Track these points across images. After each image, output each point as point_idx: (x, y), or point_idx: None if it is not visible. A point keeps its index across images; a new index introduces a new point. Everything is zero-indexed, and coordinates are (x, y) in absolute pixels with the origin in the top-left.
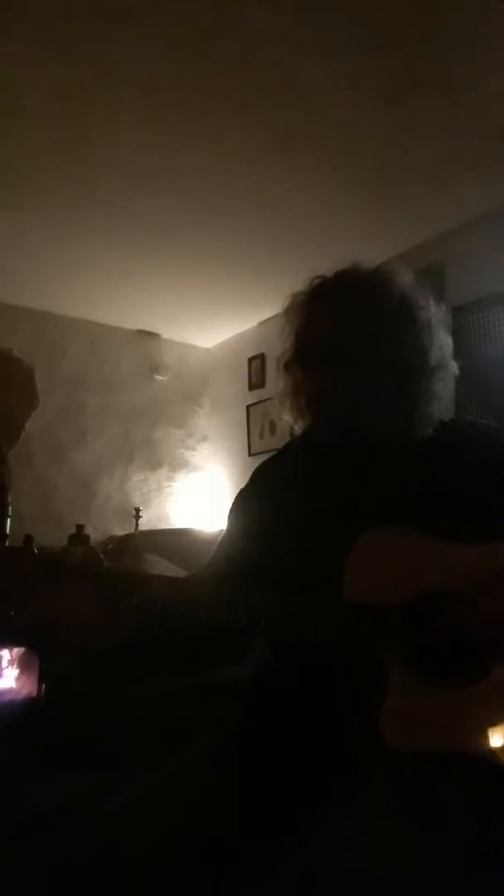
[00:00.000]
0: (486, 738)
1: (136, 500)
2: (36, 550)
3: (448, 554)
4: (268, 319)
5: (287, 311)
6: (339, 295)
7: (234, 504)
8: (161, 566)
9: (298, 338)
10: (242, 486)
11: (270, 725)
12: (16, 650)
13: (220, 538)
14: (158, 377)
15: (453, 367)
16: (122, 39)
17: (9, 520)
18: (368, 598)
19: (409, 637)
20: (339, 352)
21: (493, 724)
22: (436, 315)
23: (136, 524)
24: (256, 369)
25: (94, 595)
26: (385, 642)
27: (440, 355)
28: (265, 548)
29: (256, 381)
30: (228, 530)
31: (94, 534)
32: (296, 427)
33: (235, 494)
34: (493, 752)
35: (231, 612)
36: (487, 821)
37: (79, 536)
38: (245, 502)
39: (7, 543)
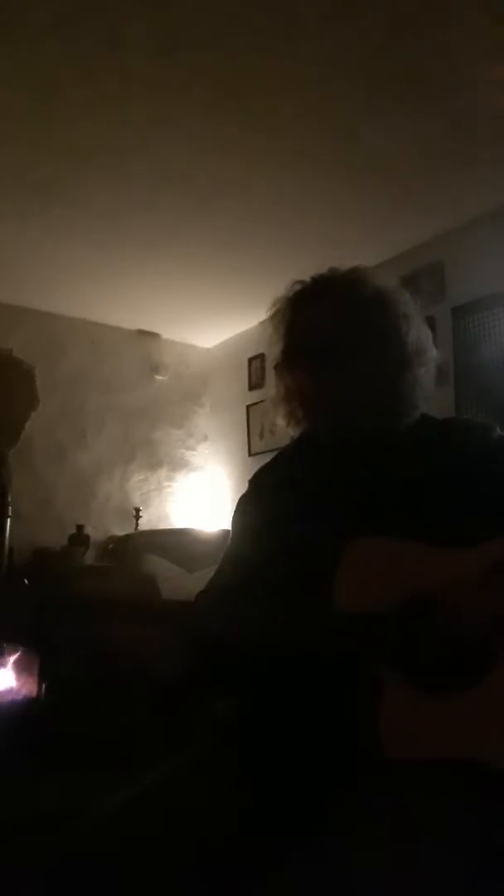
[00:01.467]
0: (482, 744)
1: (136, 500)
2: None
3: (436, 559)
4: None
5: (272, 319)
6: (318, 297)
7: (235, 511)
8: (161, 566)
9: (284, 342)
10: (242, 488)
11: (270, 727)
12: (16, 650)
13: (226, 548)
14: (158, 377)
15: (433, 352)
16: (120, 39)
17: (9, 520)
18: (359, 608)
19: (402, 645)
20: (321, 350)
21: (488, 731)
22: (411, 306)
23: (136, 524)
24: (256, 369)
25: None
26: (379, 651)
27: (418, 342)
28: (266, 551)
29: (256, 381)
30: (233, 538)
31: (94, 534)
32: (290, 431)
33: (237, 501)
34: (490, 758)
35: (229, 628)
36: (488, 827)
37: (79, 536)
38: (245, 508)
39: (7, 544)
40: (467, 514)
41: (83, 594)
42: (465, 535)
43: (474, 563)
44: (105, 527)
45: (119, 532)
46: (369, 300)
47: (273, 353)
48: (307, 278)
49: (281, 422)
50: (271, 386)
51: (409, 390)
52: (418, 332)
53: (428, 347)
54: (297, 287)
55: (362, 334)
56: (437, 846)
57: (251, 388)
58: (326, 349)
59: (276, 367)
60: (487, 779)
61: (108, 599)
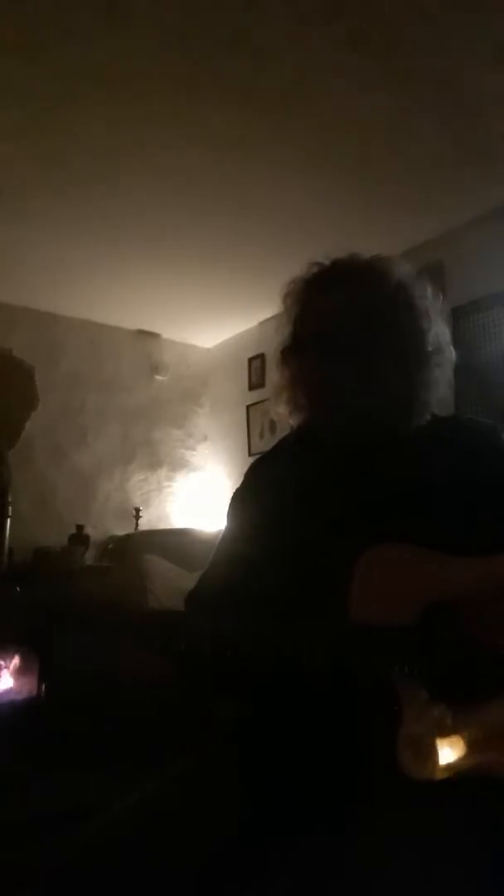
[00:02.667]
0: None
1: (136, 500)
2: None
3: (451, 567)
4: (268, 319)
5: (284, 300)
6: (338, 282)
7: (231, 505)
8: (161, 566)
9: (296, 326)
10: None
11: (273, 734)
12: (16, 651)
13: (219, 541)
14: (158, 377)
15: (451, 354)
16: (119, 39)
17: (9, 520)
18: (375, 619)
19: (419, 657)
20: (339, 339)
21: None
22: (433, 303)
23: (136, 524)
24: (256, 369)
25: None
26: (395, 665)
27: (437, 341)
28: (269, 553)
29: (256, 381)
30: (228, 535)
31: (94, 534)
32: (291, 421)
33: (232, 494)
34: None
35: (234, 645)
36: (490, 838)
37: (79, 536)
38: (242, 502)
39: (7, 544)
40: (477, 520)
41: (74, 603)
42: (476, 542)
43: (492, 573)
44: (105, 527)
45: (119, 532)
46: (392, 293)
47: (281, 336)
48: (325, 260)
49: (282, 410)
50: (272, 378)
51: (424, 392)
52: (438, 332)
53: (447, 349)
54: (315, 269)
55: (381, 328)
56: (438, 856)
57: (251, 388)
58: (342, 340)
59: (283, 351)
60: (497, 791)
61: (98, 609)
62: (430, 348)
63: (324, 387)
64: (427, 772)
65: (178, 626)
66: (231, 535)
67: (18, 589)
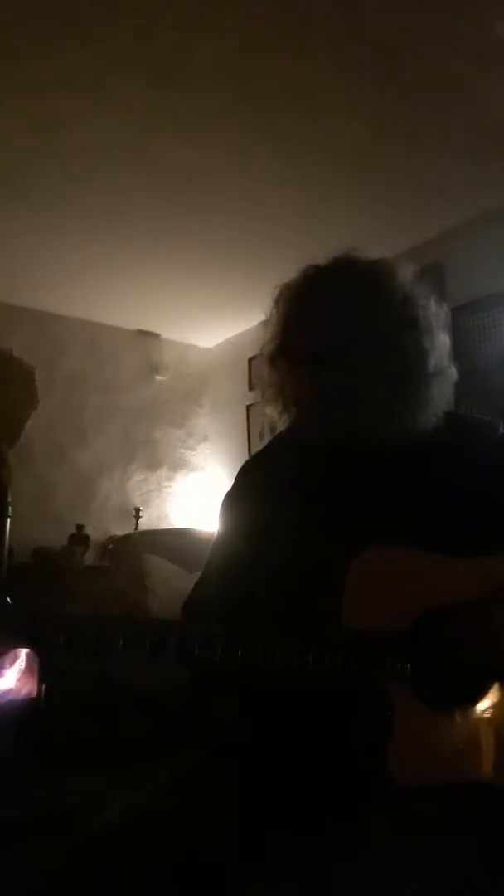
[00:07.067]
0: (497, 766)
1: (136, 500)
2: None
3: (447, 570)
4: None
5: (277, 301)
6: (336, 291)
7: (223, 508)
8: (161, 566)
9: (289, 333)
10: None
11: (272, 738)
12: (16, 651)
13: (213, 546)
14: (158, 377)
15: (453, 373)
16: (118, 38)
17: (9, 520)
18: (369, 625)
19: (413, 663)
20: (333, 355)
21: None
22: (436, 315)
23: (136, 524)
24: (257, 369)
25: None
26: (389, 671)
27: (440, 362)
28: (263, 560)
29: (257, 381)
30: (221, 538)
31: (94, 534)
32: (280, 422)
33: (222, 501)
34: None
35: (225, 650)
36: (490, 841)
37: (79, 536)
38: (235, 506)
39: (7, 544)
40: (475, 521)
41: (67, 614)
42: (472, 542)
43: (488, 576)
44: (105, 527)
45: (119, 532)
46: (396, 308)
47: (270, 335)
48: (323, 262)
49: (269, 411)
50: (261, 377)
51: (421, 412)
52: (441, 352)
53: (447, 369)
54: (312, 272)
55: (382, 346)
56: (437, 858)
57: (251, 388)
58: (339, 355)
59: (272, 354)
60: (495, 798)
61: (94, 620)
62: (431, 370)
63: (310, 401)
64: (419, 778)
65: (187, 633)
66: (225, 540)
67: (9, 600)
